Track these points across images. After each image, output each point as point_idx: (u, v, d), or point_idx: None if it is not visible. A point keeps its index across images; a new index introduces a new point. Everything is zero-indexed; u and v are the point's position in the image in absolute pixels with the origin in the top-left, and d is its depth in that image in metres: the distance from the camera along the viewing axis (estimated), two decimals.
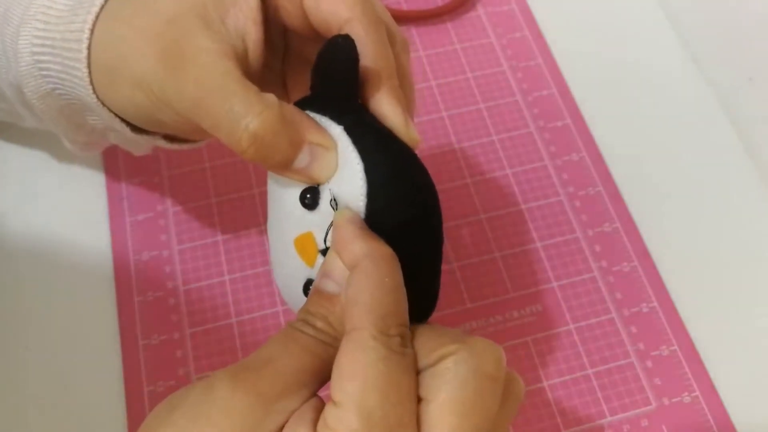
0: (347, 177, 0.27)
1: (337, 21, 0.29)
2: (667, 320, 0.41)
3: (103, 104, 0.31)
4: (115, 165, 0.44)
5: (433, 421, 0.23)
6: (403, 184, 0.28)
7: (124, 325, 0.39)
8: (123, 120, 0.32)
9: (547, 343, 0.40)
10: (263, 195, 0.30)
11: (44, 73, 0.32)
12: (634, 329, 0.40)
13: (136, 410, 0.37)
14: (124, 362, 0.38)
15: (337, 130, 0.28)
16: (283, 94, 0.34)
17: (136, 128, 0.33)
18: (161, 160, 0.44)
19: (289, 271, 0.30)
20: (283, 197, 0.30)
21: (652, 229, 0.43)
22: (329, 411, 0.23)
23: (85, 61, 0.30)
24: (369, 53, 0.29)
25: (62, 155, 0.44)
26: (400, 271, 0.26)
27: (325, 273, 0.27)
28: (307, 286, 0.29)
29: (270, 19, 0.31)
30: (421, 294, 0.28)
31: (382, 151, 0.28)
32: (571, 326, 0.40)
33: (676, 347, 0.40)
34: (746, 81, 0.50)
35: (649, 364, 0.39)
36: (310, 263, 0.29)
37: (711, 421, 0.38)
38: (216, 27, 0.29)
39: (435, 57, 0.49)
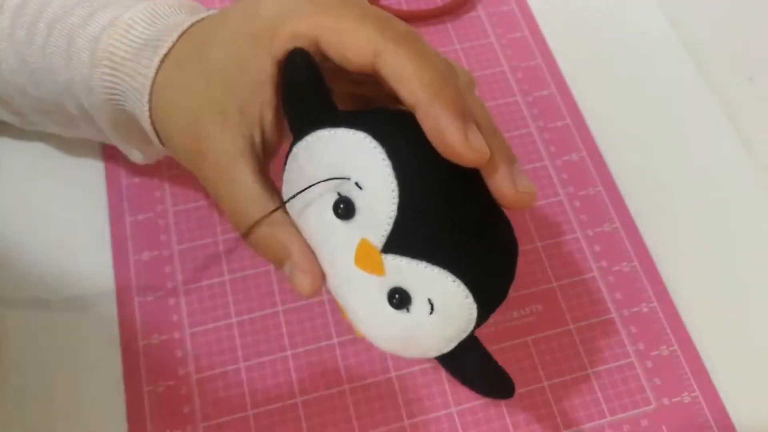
0: (370, 168, 0.27)
1: (367, 60, 0.28)
2: (667, 320, 0.41)
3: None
4: (116, 165, 0.44)
5: None
6: (434, 161, 0.27)
7: (123, 325, 0.39)
8: None
9: (547, 343, 0.40)
10: None
11: (118, 107, 0.34)
12: (633, 329, 0.40)
13: (136, 410, 0.37)
14: (123, 362, 0.38)
15: (325, 132, 0.28)
16: None
17: None
18: (162, 161, 0.44)
19: (368, 300, 0.28)
20: (324, 231, 0.28)
21: (652, 229, 0.43)
22: None
23: (147, 112, 0.33)
24: (409, 74, 0.28)
25: (62, 155, 0.44)
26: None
27: None
28: (393, 293, 0.27)
29: None
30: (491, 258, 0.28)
31: (402, 135, 0.27)
32: (571, 326, 0.40)
33: (676, 347, 0.40)
34: (746, 81, 0.50)
35: (649, 364, 0.39)
36: (380, 271, 0.27)
37: (711, 420, 0.38)
38: (234, 120, 0.30)
39: None
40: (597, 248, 0.43)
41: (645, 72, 0.49)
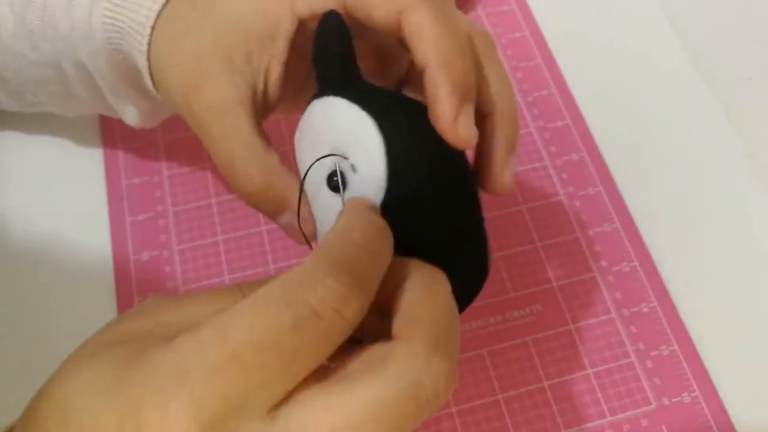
0: (368, 158, 0.27)
1: (392, 19, 0.28)
2: (667, 320, 0.41)
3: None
4: (116, 165, 0.44)
5: None
6: (424, 141, 0.27)
7: None
8: None
9: (547, 343, 0.40)
10: None
11: (116, 47, 0.33)
12: (634, 329, 0.40)
13: None
14: None
15: (342, 102, 0.28)
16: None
17: None
18: (161, 160, 0.44)
19: None
20: (319, 196, 0.29)
21: (652, 229, 0.43)
22: None
23: (146, 47, 0.32)
24: (427, 35, 0.27)
25: (62, 155, 0.44)
26: (385, 238, 0.24)
27: None
28: None
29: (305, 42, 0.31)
30: (468, 256, 0.28)
31: (396, 113, 0.28)
32: (571, 326, 0.40)
33: (676, 347, 0.40)
34: (745, 80, 0.50)
35: (649, 364, 0.39)
36: None
37: (711, 420, 0.38)
38: (239, 66, 0.30)
39: None
40: (597, 248, 0.43)
41: (645, 72, 0.49)
